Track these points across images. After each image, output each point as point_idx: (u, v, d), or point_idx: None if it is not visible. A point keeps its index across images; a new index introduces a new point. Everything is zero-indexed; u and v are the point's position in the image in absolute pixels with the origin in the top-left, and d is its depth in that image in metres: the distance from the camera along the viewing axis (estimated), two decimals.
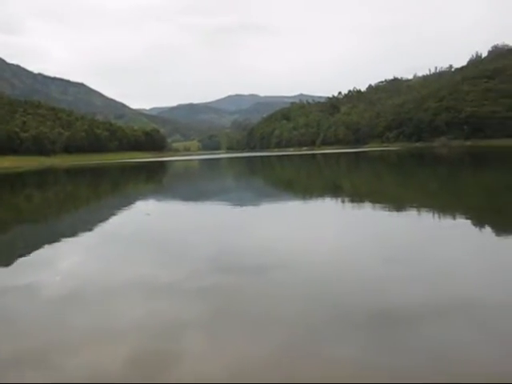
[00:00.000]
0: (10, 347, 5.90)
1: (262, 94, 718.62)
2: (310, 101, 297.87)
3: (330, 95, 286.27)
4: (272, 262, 9.61)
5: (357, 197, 21.85)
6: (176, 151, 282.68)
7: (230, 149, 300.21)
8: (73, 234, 14.47)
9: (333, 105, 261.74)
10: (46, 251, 12.30)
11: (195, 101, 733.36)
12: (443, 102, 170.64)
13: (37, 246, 12.98)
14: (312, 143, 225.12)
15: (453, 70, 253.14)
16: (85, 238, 13.73)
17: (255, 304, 7.13)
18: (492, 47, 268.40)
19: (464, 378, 4.73)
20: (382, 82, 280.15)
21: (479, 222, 13.94)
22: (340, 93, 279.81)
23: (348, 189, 27.48)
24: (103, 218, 17.49)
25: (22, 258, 11.34)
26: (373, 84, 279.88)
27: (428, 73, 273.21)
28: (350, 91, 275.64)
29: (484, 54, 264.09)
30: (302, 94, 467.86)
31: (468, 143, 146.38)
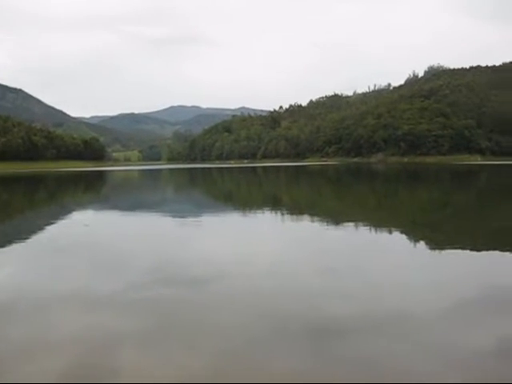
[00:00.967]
0: None
1: (204, 105, 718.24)
2: (252, 114, 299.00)
3: (272, 109, 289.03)
4: (211, 274, 9.42)
5: (296, 210, 21.76)
6: (116, 161, 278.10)
7: (171, 160, 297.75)
8: (5, 244, 13.65)
9: (274, 119, 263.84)
10: None
11: (137, 110, 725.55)
12: (381, 120, 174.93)
13: None
14: (253, 156, 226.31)
15: (391, 88, 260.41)
16: (19, 249, 12.88)
17: (194, 316, 6.93)
18: (428, 68, 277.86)
19: None
20: (322, 97, 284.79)
21: (413, 237, 14.06)
22: (281, 107, 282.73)
23: (288, 202, 27.53)
24: (39, 228, 16.70)
25: None
26: (313, 99, 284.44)
27: (367, 90, 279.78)
28: (291, 106, 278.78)
29: (420, 74, 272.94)
30: (243, 107, 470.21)
31: (404, 160, 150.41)
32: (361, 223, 16.64)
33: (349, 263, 10.57)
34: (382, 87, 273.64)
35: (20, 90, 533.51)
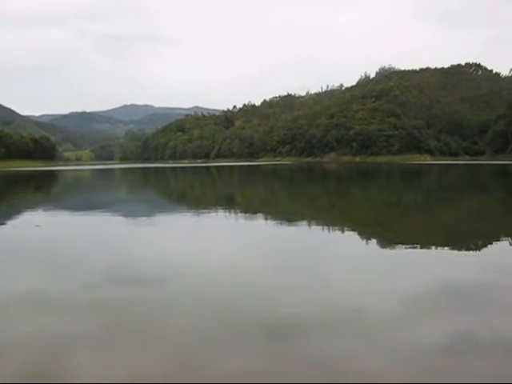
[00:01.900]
0: None
1: (157, 104, 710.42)
2: (206, 113, 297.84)
3: (225, 108, 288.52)
4: (165, 274, 9.34)
5: (250, 209, 21.79)
6: (67, 161, 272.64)
7: (123, 159, 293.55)
8: None
9: (228, 118, 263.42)
10: None
11: (88, 109, 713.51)
12: (334, 120, 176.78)
13: None
14: (207, 156, 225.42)
15: (343, 88, 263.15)
16: None
17: (147, 316, 6.88)
18: (379, 69, 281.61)
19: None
20: (276, 97, 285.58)
21: (365, 235, 14.30)
22: (235, 107, 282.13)
23: (241, 202, 27.52)
24: None
25: None
26: (267, 99, 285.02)
27: (320, 90, 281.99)
28: (244, 105, 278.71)
29: (372, 75, 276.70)
30: (197, 107, 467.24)
31: (356, 159, 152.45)
32: (314, 222, 16.82)
33: (302, 261, 10.61)
34: (334, 87, 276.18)
35: None
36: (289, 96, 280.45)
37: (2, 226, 17.16)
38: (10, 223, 18.18)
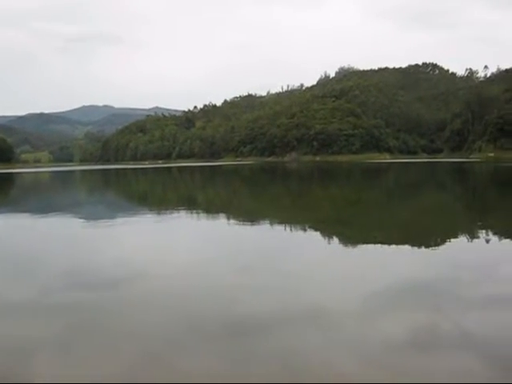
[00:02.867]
0: None
1: (116, 105, 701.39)
2: (166, 114, 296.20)
3: (186, 109, 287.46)
4: (127, 276, 9.19)
5: (212, 210, 21.67)
6: (25, 163, 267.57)
7: (83, 161, 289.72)
8: None
9: (188, 119, 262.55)
10: None
11: (46, 110, 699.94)
12: (294, 119, 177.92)
13: None
14: (168, 156, 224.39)
15: (304, 88, 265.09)
16: None
17: (110, 319, 6.79)
18: (339, 68, 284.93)
19: (313, 381, 4.80)
20: (236, 97, 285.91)
21: (326, 233, 14.32)
22: (196, 107, 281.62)
23: (203, 202, 27.46)
24: None
25: None
26: (228, 99, 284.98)
27: (281, 90, 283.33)
28: (205, 105, 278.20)
29: (332, 75, 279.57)
30: (157, 107, 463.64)
31: (317, 158, 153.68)
32: (276, 221, 16.80)
33: (264, 261, 10.59)
34: (294, 87, 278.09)
35: None
36: (249, 96, 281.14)
37: None
38: None
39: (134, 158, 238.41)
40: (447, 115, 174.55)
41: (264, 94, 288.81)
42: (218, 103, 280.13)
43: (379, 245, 12.09)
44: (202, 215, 19.73)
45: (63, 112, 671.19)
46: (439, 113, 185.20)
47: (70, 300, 7.73)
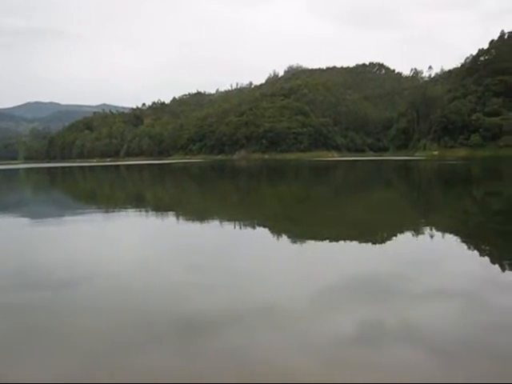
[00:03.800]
0: None
1: (63, 102, 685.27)
2: (114, 111, 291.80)
3: (134, 106, 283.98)
4: (76, 276, 9.04)
5: (161, 208, 21.63)
6: None
7: (28, 159, 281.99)
8: None
9: (137, 116, 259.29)
10: None
11: None
12: (243, 117, 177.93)
13: None
14: (116, 154, 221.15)
15: (252, 86, 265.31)
16: None
17: (58, 320, 6.70)
18: (288, 67, 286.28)
19: (263, 379, 4.84)
20: (185, 95, 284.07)
21: (275, 230, 14.47)
22: (144, 104, 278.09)
23: (152, 200, 27.27)
24: None
25: None
26: (177, 97, 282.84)
27: (230, 88, 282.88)
28: (154, 103, 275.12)
29: (281, 74, 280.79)
30: (105, 104, 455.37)
31: (266, 156, 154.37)
32: (225, 218, 16.86)
33: (213, 258, 10.62)
34: (243, 85, 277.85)
35: None
36: (198, 94, 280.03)
37: None
38: None
39: (81, 156, 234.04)
40: (393, 114, 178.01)
41: (213, 91, 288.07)
42: (167, 101, 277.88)
43: (327, 241, 12.35)
44: (151, 214, 19.58)
45: (7, 109, 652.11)
46: (385, 112, 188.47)
47: (14, 301, 7.62)
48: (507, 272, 8.74)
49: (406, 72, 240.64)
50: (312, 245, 12.14)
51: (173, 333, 6.10)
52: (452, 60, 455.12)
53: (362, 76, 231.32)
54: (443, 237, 12.84)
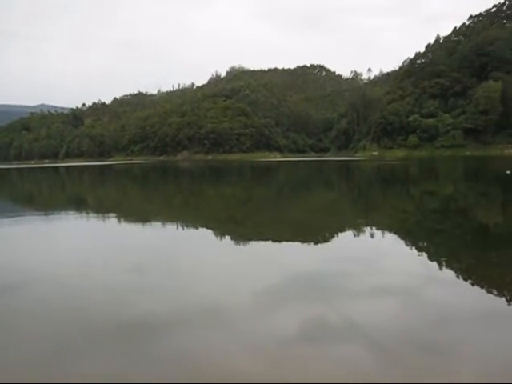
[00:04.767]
0: None
1: None
2: (53, 111, 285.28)
3: (74, 106, 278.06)
4: (13, 281, 8.85)
5: (102, 210, 21.23)
6: None
7: None
8: None
9: (76, 116, 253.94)
10: None
11: None
12: (186, 118, 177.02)
13: None
14: (55, 155, 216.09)
15: (195, 87, 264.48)
16: None
17: (6, 323, 6.65)
18: (230, 68, 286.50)
19: (210, 379, 4.89)
20: (127, 95, 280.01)
21: (219, 232, 14.46)
22: (84, 104, 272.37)
23: (93, 203, 26.82)
24: None
25: None
26: (118, 97, 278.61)
27: (172, 89, 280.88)
28: (94, 103, 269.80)
29: (223, 75, 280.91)
30: (43, 104, 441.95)
31: (208, 157, 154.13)
32: (168, 221, 16.79)
33: (156, 260, 10.57)
34: (186, 86, 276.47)
35: None
36: (140, 94, 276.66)
37: None
38: None
39: (19, 158, 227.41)
40: (334, 115, 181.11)
41: (155, 92, 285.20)
42: (108, 101, 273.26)
43: (270, 242, 12.44)
44: (92, 216, 19.29)
45: None
46: (326, 113, 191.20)
47: None
48: (444, 269, 9.07)
49: (347, 74, 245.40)
50: (255, 245, 12.25)
51: (116, 335, 6.08)
52: (391, 63, 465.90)
53: (304, 78, 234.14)
54: (383, 235, 13.15)
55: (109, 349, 5.67)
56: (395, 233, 13.52)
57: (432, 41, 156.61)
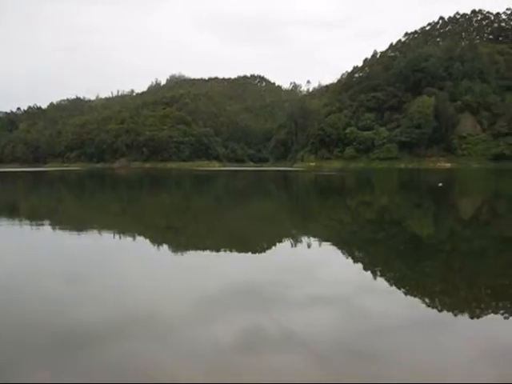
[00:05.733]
0: None
1: None
2: None
3: (8, 110, 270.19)
4: None
5: (35, 218, 19.99)
6: None
7: None
8: None
9: (11, 120, 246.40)
10: None
11: None
12: (124, 125, 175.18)
13: None
14: None
15: (134, 94, 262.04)
16: None
17: None
18: (170, 76, 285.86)
19: None
20: (64, 100, 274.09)
21: (157, 240, 14.29)
22: (19, 108, 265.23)
23: (26, 211, 25.87)
24: None
25: None
26: (54, 102, 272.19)
27: (110, 95, 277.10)
28: (30, 107, 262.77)
29: (163, 82, 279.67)
30: None
31: (147, 165, 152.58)
32: (105, 229, 16.44)
33: (91, 269, 10.35)
34: (125, 93, 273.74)
35: None
36: (78, 99, 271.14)
37: None
38: None
39: None
40: (273, 126, 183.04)
41: (93, 98, 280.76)
42: (44, 105, 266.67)
43: (208, 251, 12.39)
44: (24, 224, 18.63)
45: None
46: (266, 123, 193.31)
47: None
48: (379, 278, 9.29)
49: (286, 85, 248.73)
50: (194, 254, 12.17)
51: (51, 347, 5.93)
52: (329, 76, 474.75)
53: (244, 88, 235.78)
54: (320, 245, 13.28)
55: (43, 359, 5.54)
56: (332, 243, 13.68)
57: (369, 55, 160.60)
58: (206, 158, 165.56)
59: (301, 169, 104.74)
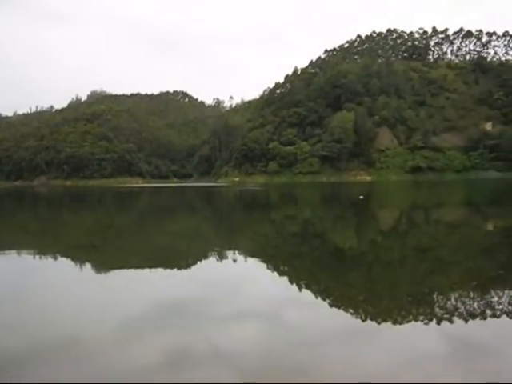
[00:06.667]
0: None
1: None
2: None
3: None
4: None
5: None
6: None
7: None
8: None
9: None
10: None
11: None
12: (44, 142, 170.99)
13: None
14: None
15: (54, 110, 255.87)
16: None
17: None
18: (91, 92, 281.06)
19: None
20: None
21: (79, 259, 13.89)
22: None
23: None
24: None
25: None
26: None
27: (29, 111, 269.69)
28: None
29: (84, 98, 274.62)
30: None
31: (68, 182, 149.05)
32: (24, 249, 15.71)
33: (9, 292, 9.97)
34: (44, 109, 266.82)
35: None
36: None
37: None
38: None
39: None
40: (196, 142, 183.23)
41: (10, 114, 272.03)
42: None
43: (132, 269, 12.22)
44: None
45: None
46: (189, 139, 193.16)
47: None
48: (304, 291, 9.41)
49: (209, 101, 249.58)
50: (117, 273, 11.92)
51: None
52: (251, 91, 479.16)
53: (167, 104, 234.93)
54: (245, 260, 13.35)
55: None
56: (257, 257, 13.75)
57: (291, 72, 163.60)
58: (129, 174, 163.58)
59: (225, 184, 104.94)
